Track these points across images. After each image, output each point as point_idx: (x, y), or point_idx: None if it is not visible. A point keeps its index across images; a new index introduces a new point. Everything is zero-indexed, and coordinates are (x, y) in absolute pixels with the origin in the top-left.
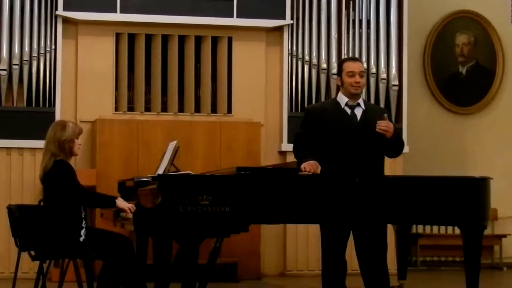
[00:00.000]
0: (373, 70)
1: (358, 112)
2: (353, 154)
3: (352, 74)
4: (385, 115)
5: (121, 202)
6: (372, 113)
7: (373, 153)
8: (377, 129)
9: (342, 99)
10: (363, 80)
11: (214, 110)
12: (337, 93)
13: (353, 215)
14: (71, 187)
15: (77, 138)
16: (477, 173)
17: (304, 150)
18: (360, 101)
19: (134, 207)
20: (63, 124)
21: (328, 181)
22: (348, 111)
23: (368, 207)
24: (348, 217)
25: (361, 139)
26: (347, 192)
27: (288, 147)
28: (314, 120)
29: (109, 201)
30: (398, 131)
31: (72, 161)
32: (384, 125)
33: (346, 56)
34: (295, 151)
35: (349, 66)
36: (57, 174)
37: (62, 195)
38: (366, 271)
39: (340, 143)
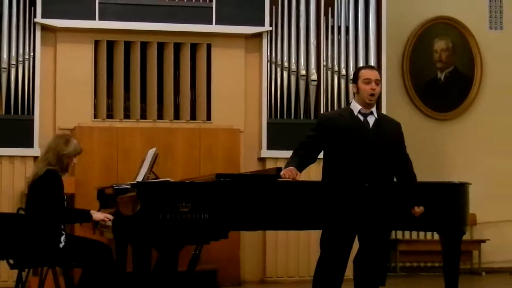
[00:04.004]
0: (352, 76)
1: (371, 119)
2: (364, 159)
3: (368, 81)
4: (414, 209)
5: (96, 214)
6: (385, 122)
7: (383, 159)
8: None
9: (356, 106)
10: (379, 88)
11: (193, 117)
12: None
13: (361, 220)
14: (56, 200)
15: (75, 157)
16: (456, 178)
17: (295, 156)
18: (373, 109)
19: (111, 216)
20: (67, 139)
21: (335, 187)
22: (361, 118)
23: (376, 212)
24: (355, 221)
25: (373, 146)
26: (356, 196)
27: (267, 153)
28: (327, 126)
29: (85, 216)
30: None
31: None
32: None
33: (324, 63)
34: (293, 152)
35: (365, 74)
36: (47, 183)
37: (45, 205)
38: (362, 275)
39: (352, 149)
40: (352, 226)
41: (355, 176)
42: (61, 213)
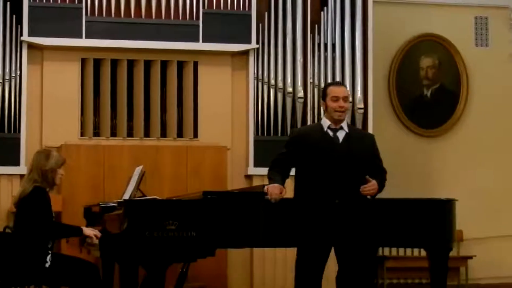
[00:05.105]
0: None
1: (341, 134)
2: (334, 175)
3: (336, 99)
4: (367, 176)
5: (87, 230)
6: (356, 136)
7: (354, 175)
8: (362, 193)
9: (326, 122)
10: (347, 105)
11: (180, 134)
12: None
13: (333, 237)
14: (44, 217)
15: (60, 168)
16: (442, 194)
17: (275, 172)
18: (344, 124)
19: (99, 234)
20: (47, 153)
21: (306, 203)
22: (331, 133)
23: (349, 229)
24: (326, 239)
25: (343, 161)
26: (327, 213)
27: (254, 171)
28: (298, 142)
29: (75, 231)
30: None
31: None
32: (367, 190)
33: (311, 80)
34: (268, 170)
35: (333, 91)
36: (34, 200)
37: (33, 222)
38: None
39: (321, 165)
40: (323, 243)
41: (325, 193)
42: (50, 229)
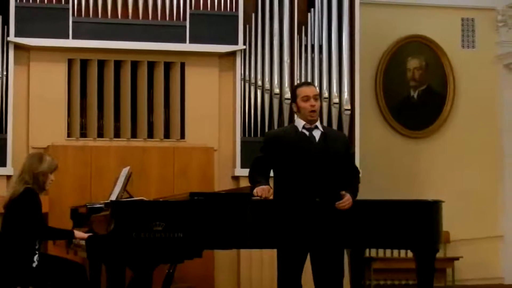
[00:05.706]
0: (326, 94)
1: (317, 133)
2: (313, 174)
3: (307, 99)
4: (342, 192)
5: (79, 233)
6: (331, 135)
7: (332, 172)
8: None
9: (300, 123)
10: (318, 103)
11: (167, 135)
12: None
13: (312, 237)
14: (34, 219)
15: (51, 173)
16: (429, 196)
17: (258, 175)
18: (318, 123)
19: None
20: (40, 157)
21: (287, 203)
22: (307, 133)
23: (328, 228)
24: (306, 239)
25: (321, 159)
26: (307, 212)
27: (241, 172)
28: (273, 144)
29: (67, 234)
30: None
31: None
32: (343, 206)
33: (298, 81)
34: (250, 174)
35: (303, 91)
36: (25, 202)
37: (23, 224)
38: None
39: (300, 164)
40: (305, 242)
41: (305, 192)
42: (42, 230)
